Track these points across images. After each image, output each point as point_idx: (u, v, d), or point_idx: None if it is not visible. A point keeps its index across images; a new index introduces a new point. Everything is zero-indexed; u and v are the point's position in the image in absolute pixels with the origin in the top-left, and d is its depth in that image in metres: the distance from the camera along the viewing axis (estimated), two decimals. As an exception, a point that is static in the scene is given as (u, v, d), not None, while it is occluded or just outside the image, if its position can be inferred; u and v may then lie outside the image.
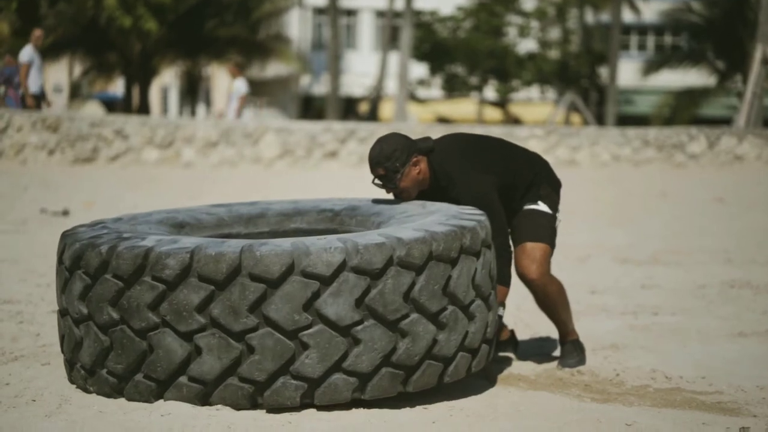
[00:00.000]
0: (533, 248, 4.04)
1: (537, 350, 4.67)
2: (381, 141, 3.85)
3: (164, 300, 3.10)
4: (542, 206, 4.07)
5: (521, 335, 4.99)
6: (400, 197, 3.91)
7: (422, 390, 3.40)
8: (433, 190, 3.94)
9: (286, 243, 3.12)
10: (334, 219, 3.96)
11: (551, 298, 4.15)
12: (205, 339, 3.08)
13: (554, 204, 4.13)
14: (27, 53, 13.86)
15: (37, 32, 14.23)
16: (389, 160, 3.79)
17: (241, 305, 3.05)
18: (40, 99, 14.13)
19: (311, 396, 3.14)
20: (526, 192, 4.05)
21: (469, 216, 3.55)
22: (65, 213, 8.96)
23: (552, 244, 4.12)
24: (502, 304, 3.85)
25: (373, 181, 3.87)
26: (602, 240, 8.66)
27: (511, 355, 4.49)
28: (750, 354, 4.55)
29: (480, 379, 4.12)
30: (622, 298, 6.01)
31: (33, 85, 14.03)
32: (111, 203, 9.60)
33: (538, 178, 4.09)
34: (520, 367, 4.29)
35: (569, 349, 4.28)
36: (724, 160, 15.58)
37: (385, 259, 3.16)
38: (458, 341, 3.40)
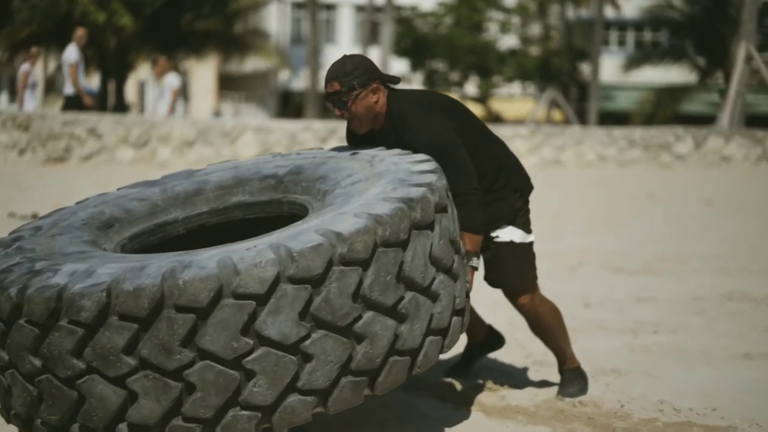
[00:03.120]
0: (520, 290, 3.80)
1: (534, 375, 4.40)
2: (346, 57, 3.51)
3: (86, 345, 2.79)
4: (517, 235, 3.76)
5: (515, 356, 4.72)
6: (350, 124, 3.55)
7: (391, 390, 3.07)
8: (385, 134, 3.55)
9: (211, 262, 2.77)
10: (278, 186, 3.57)
11: (545, 322, 3.88)
12: (138, 382, 2.78)
13: (527, 222, 3.81)
14: (73, 53, 13.67)
15: (80, 31, 13.96)
16: (348, 75, 3.42)
17: (172, 341, 2.74)
18: (76, 99, 13.92)
19: (268, 422, 2.84)
20: (491, 186, 3.68)
21: (419, 179, 3.18)
22: (34, 216, 8.64)
23: (535, 272, 3.84)
24: (476, 254, 3.48)
25: (326, 99, 3.51)
26: (592, 246, 8.45)
27: (506, 384, 4.21)
28: (759, 380, 4.32)
29: (475, 410, 3.84)
30: (618, 313, 5.77)
31: (83, 82, 13.89)
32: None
33: (507, 174, 3.72)
34: (517, 397, 4.02)
35: (569, 377, 4.01)
36: (711, 161, 15.41)
37: (325, 261, 2.82)
38: (424, 327, 3.07)
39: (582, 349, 4.74)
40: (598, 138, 15.44)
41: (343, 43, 36.35)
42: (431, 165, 3.30)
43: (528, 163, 14.56)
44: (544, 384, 4.23)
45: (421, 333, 3.06)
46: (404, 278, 2.99)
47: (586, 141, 15.23)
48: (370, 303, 2.91)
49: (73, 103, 13.94)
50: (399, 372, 3.03)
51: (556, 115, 31.24)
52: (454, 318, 3.25)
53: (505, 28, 32.43)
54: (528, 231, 3.79)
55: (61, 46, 25.00)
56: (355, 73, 3.43)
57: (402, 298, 2.99)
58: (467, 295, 3.39)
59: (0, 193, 10.54)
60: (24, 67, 14.23)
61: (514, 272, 3.76)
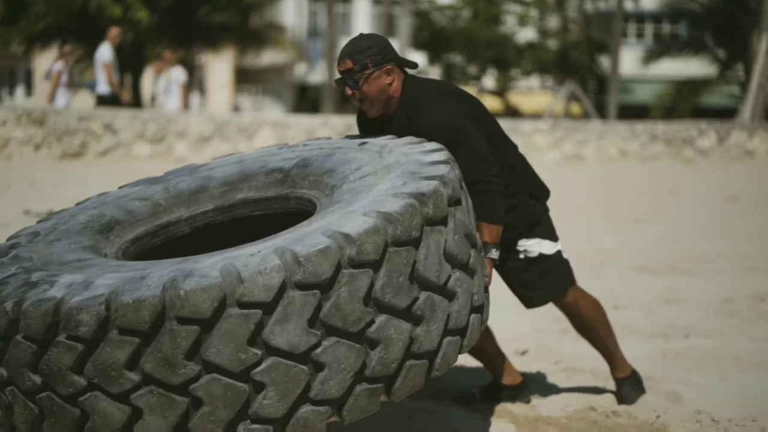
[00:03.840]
0: (563, 299, 3.69)
1: (565, 383, 4.25)
2: (361, 35, 3.34)
3: (87, 360, 2.66)
4: (545, 246, 3.59)
5: (544, 363, 4.57)
6: (362, 106, 3.37)
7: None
8: (398, 119, 3.38)
9: (213, 270, 2.64)
10: (285, 181, 3.39)
11: (587, 316, 3.74)
12: (143, 398, 2.65)
13: (552, 229, 3.64)
14: (107, 52, 13.67)
15: (114, 30, 13.95)
16: (361, 53, 3.25)
17: (176, 354, 2.61)
18: (109, 98, 13.96)
19: None
20: (504, 191, 3.49)
21: (430, 171, 3.01)
22: (50, 214, 8.51)
23: (571, 275, 3.70)
24: (495, 245, 3.31)
25: (336, 81, 3.34)
26: (616, 244, 8.30)
27: (536, 393, 4.06)
28: (799, 388, 4.16)
29: (505, 421, 3.69)
30: (647, 315, 5.62)
31: (106, 83, 13.86)
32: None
33: (519, 178, 3.55)
34: (548, 407, 3.87)
35: (626, 390, 3.89)
36: (735, 155, 15.18)
37: (333, 264, 2.67)
38: (441, 328, 2.92)
39: (612, 355, 4.61)
40: (620, 132, 15.24)
41: (360, 36, 36.18)
42: (443, 155, 3.14)
43: (549, 158, 14.38)
44: (575, 392, 4.08)
45: (438, 334, 2.91)
46: (418, 278, 2.85)
47: (607, 136, 15.04)
48: (382, 306, 2.77)
49: (107, 102, 13.95)
50: (416, 376, 2.89)
51: (575, 108, 31.03)
52: (473, 316, 3.10)
53: (523, 21, 32.20)
54: (555, 239, 3.63)
55: (78, 41, 25.01)
56: (369, 51, 3.27)
57: (416, 299, 2.85)
58: (486, 290, 3.23)
59: (15, 189, 10.50)
60: (57, 65, 14.19)
61: (552, 286, 3.63)
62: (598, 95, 31.91)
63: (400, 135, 3.36)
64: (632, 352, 4.71)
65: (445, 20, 32.44)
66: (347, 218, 2.79)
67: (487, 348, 3.83)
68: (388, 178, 3.01)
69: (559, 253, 3.62)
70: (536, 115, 28.62)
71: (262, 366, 2.64)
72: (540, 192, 3.63)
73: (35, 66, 33.38)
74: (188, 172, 3.57)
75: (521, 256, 3.57)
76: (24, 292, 2.74)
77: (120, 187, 3.57)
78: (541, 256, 3.58)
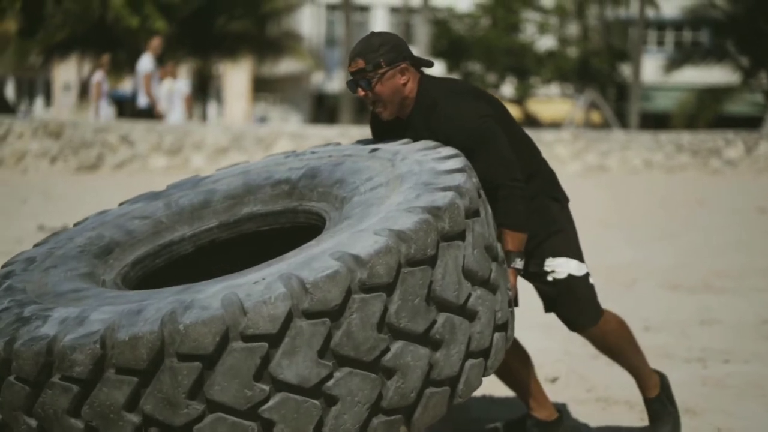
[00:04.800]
0: (588, 324, 3.40)
1: (599, 415, 4.01)
2: (373, 33, 3.14)
3: (84, 403, 2.49)
4: (573, 266, 3.32)
5: (575, 391, 4.33)
6: (374, 108, 3.15)
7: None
8: (413, 122, 3.17)
9: (215, 301, 2.46)
10: (292, 193, 3.19)
11: (611, 340, 3.46)
12: None
13: (577, 244, 3.36)
14: (147, 63, 13.64)
15: (156, 41, 13.91)
16: (374, 52, 3.05)
17: (177, 393, 2.44)
18: (148, 111, 13.96)
19: None
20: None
21: (445, 180, 2.81)
22: (65, 229, 8.39)
23: (597, 299, 3.42)
24: (519, 254, 3.11)
25: (347, 82, 3.13)
26: (644, 259, 8.07)
27: (568, 425, 3.82)
28: None
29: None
30: (682, 337, 5.37)
31: (157, 94, 13.85)
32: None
33: (539, 181, 3.31)
34: (583, 443, 3.63)
35: (657, 411, 3.57)
36: (763, 166, 14.88)
37: (343, 290, 2.49)
38: (462, 351, 2.73)
39: (648, 382, 4.36)
40: (644, 143, 14.99)
41: (378, 45, 36.10)
42: (459, 161, 2.93)
43: (571, 169, 14.16)
44: (609, 424, 3.84)
45: (459, 358, 2.73)
46: (435, 299, 2.66)
47: (631, 146, 14.79)
48: (398, 332, 2.59)
49: (146, 115, 13.89)
50: (438, 405, 2.70)
51: (595, 116, 30.80)
52: (496, 335, 2.90)
53: (542, 29, 31.99)
54: (581, 257, 3.37)
55: (96, 51, 25.04)
56: (382, 49, 3.07)
57: (434, 321, 2.66)
58: (510, 305, 3.02)
59: (31, 203, 10.40)
60: (97, 76, 14.14)
61: (581, 310, 3.36)
62: (617, 103, 31.67)
63: (416, 138, 3.16)
64: (669, 379, 4.49)
65: (464, 28, 32.27)
66: (357, 238, 2.61)
67: (523, 377, 3.57)
68: (401, 190, 2.83)
69: (587, 276, 3.37)
70: (555, 124, 28.38)
71: (271, 402, 2.46)
72: (561, 195, 3.39)
73: (54, 77, 33.52)
74: (191, 186, 3.38)
75: (549, 278, 3.32)
76: (16, 330, 2.58)
77: (120, 204, 3.38)
78: (570, 278, 3.32)
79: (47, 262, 2.99)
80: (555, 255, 3.31)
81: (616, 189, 13.22)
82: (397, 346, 2.58)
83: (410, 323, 2.59)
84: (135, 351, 2.41)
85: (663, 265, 7.79)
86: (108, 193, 11.29)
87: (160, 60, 22.13)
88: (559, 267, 3.31)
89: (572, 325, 3.39)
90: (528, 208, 3.13)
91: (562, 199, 3.38)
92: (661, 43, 35.82)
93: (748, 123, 26.15)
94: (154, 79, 13.64)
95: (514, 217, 3.08)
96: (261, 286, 2.48)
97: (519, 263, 3.11)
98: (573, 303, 3.34)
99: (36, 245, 3.18)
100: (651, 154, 14.84)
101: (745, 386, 4.40)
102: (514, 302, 3.13)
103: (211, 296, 2.48)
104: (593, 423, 3.91)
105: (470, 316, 2.76)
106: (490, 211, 2.99)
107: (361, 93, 3.10)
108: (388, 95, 3.10)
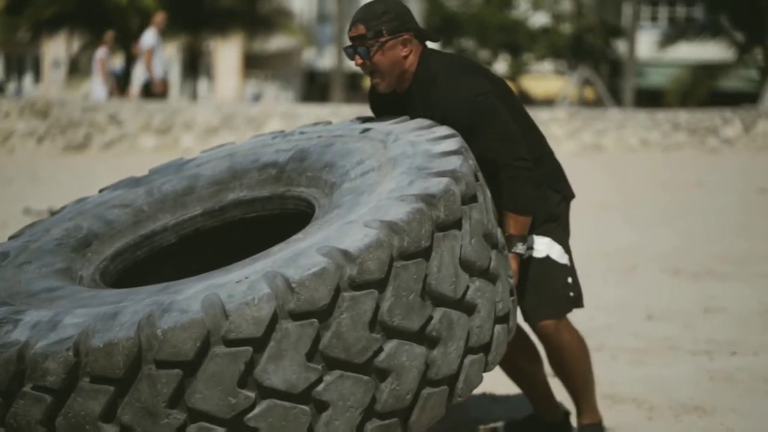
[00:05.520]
0: (547, 315, 3.13)
1: (606, 414, 3.84)
2: (379, 0, 2.95)
3: (58, 413, 2.35)
4: (555, 250, 3.10)
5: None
6: (372, 79, 2.97)
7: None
8: (411, 97, 2.99)
9: (194, 303, 2.31)
10: (280, 178, 3.03)
11: (568, 353, 3.18)
12: None
13: (566, 237, 3.15)
14: (150, 38, 13.54)
15: (159, 16, 13.76)
16: (376, 19, 2.88)
17: (157, 402, 2.30)
18: (166, 83, 13.99)
19: None
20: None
21: (440, 164, 2.64)
22: (51, 212, 8.21)
23: (574, 296, 3.17)
24: (522, 238, 2.94)
25: (344, 48, 2.96)
26: (644, 243, 7.93)
27: None
28: None
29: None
30: (686, 328, 5.23)
31: (158, 68, 13.75)
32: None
33: (544, 170, 3.11)
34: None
35: None
36: (762, 145, 14.72)
37: (332, 288, 2.34)
38: (461, 348, 2.58)
39: (655, 377, 4.23)
40: (641, 121, 14.81)
41: (370, 20, 35.84)
42: (455, 142, 2.76)
43: (566, 148, 13.99)
44: (616, 423, 3.68)
45: (458, 355, 2.58)
46: (431, 294, 2.51)
47: (627, 125, 14.61)
48: (391, 330, 2.44)
49: (147, 91, 13.83)
50: (436, 405, 2.55)
51: (588, 92, 30.65)
52: (497, 327, 2.74)
53: (536, 4, 31.75)
54: (566, 249, 3.15)
55: (86, 27, 24.74)
56: (385, 17, 2.89)
57: (430, 318, 2.51)
58: (512, 293, 2.85)
59: (17, 185, 10.25)
60: (100, 53, 13.91)
61: (548, 298, 3.10)
62: (610, 79, 31.51)
63: (414, 114, 2.99)
64: (675, 374, 4.35)
65: (457, 5, 32.01)
66: (346, 231, 2.45)
67: (530, 374, 3.36)
68: (393, 175, 2.67)
69: (566, 268, 3.14)
70: (548, 101, 28.21)
71: (257, 410, 2.32)
72: (565, 189, 3.19)
73: (43, 53, 33.14)
74: (174, 170, 3.20)
75: (525, 255, 3.07)
76: None
77: (100, 191, 3.20)
78: (548, 260, 3.10)
79: (21, 257, 2.85)
80: (539, 234, 3.11)
81: (612, 169, 13.07)
82: (390, 345, 2.44)
83: (404, 321, 2.45)
84: (111, 358, 2.28)
85: (663, 249, 7.66)
86: (96, 175, 11.11)
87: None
88: (540, 245, 3.11)
89: (532, 314, 3.12)
90: (534, 190, 2.96)
91: (565, 194, 3.18)
92: (654, 18, 35.62)
93: (742, 99, 25.98)
94: (156, 55, 13.48)
95: (518, 199, 2.92)
96: (244, 286, 2.33)
97: (521, 248, 2.95)
98: (541, 288, 3.09)
99: (11, 237, 3.02)
100: (647, 132, 14.68)
101: (754, 381, 4.26)
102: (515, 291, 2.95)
103: (191, 297, 2.34)
104: (599, 423, 3.75)
105: (469, 309, 2.61)
106: (488, 194, 2.83)
107: (359, 61, 2.93)
108: (387, 66, 2.93)
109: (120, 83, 17.78)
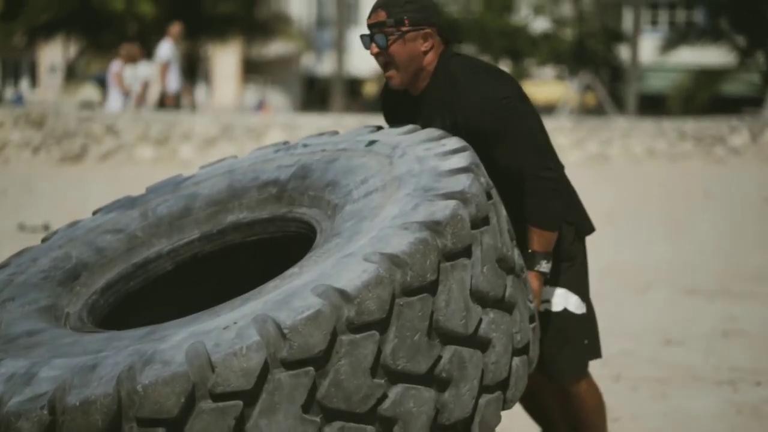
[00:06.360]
0: (572, 377, 2.92)
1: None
2: None
3: None
4: (572, 302, 2.87)
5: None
6: (385, 72, 2.77)
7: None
8: (427, 99, 2.78)
9: (178, 353, 2.13)
10: (281, 197, 2.84)
11: (586, 413, 2.98)
12: None
13: (585, 280, 2.92)
14: (166, 50, 13.32)
15: (176, 27, 13.51)
16: (399, 6, 2.70)
17: None
18: (179, 98, 13.67)
19: None
20: None
21: (447, 184, 2.43)
22: (46, 228, 8.07)
23: (597, 349, 2.96)
24: (546, 255, 2.74)
25: (361, 36, 2.77)
26: (655, 258, 7.76)
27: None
28: None
29: None
30: (706, 353, 5.03)
31: (172, 82, 13.51)
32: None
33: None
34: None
35: None
36: (770, 155, 14.56)
37: (328, 332, 2.15)
38: (475, 387, 2.38)
39: (679, 411, 4.03)
40: (647, 130, 14.64)
41: (369, 25, 35.74)
42: (465, 158, 2.54)
43: (571, 158, 13.80)
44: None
45: (472, 396, 2.37)
46: (439, 331, 2.30)
47: (633, 134, 14.44)
48: (396, 375, 2.24)
49: (178, 101, 13.68)
50: None
51: (589, 98, 30.54)
52: (516, 360, 2.53)
53: (537, 10, 31.66)
54: (585, 296, 2.91)
55: (82, 32, 24.62)
56: (408, 6, 2.70)
57: (439, 358, 2.31)
58: (532, 319, 2.63)
59: (11, 198, 10.05)
60: (114, 66, 13.65)
61: (569, 357, 2.88)
62: (611, 84, 31.42)
63: (429, 117, 2.78)
64: (699, 407, 4.14)
65: (458, 10, 31.90)
66: (344, 266, 2.25)
67: (549, 404, 3.16)
68: (397, 198, 2.46)
69: (584, 318, 2.90)
70: (549, 107, 28.07)
71: None
72: (581, 221, 2.92)
73: (39, 58, 33.00)
74: (171, 188, 3.00)
75: (541, 308, 2.85)
76: None
77: (94, 212, 3.02)
78: (566, 313, 2.86)
79: (5, 294, 2.66)
80: (555, 284, 2.87)
81: (618, 180, 12.91)
82: (395, 391, 2.24)
83: (410, 363, 2.25)
84: (88, 417, 2.10)
85: (675, 265, 7.49)
86: (92, 187, 10.94)
87: (144, 44, 21.67)
88: (557, 298, 2.87)
89: (550, 370, 2.89)
90: (562, 203, 2.74)
91: (580, 227, 2.92)
92: (654, 22, 35.57)
93: (744, 104, 25.90)
94: (171, 69, 13.30)
95: (544, 213, 2.72)
96: (232, 333, 2.14)
97: (545, 266, 2.73)
98: (561, 344, 2.87)
99: None
100: (653, 141, 14.50)
101: (785, 416, 4.05)
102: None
103: (175, 347, 2.15)
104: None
105: (482, 345, 2.41)
106: (503, 213, 2.60)
107: (375, 50, 2.73)
108: (404, 60, 2.73)
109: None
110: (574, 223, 2.89)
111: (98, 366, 2.17)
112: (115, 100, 13.81)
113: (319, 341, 2.12)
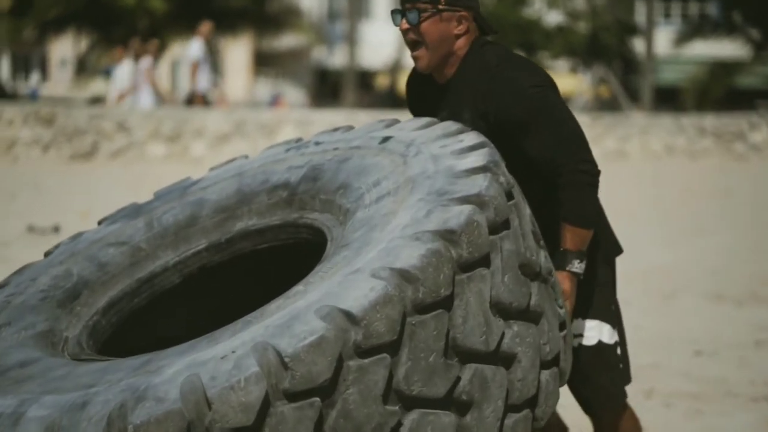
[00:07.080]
0: (609, 407, 2.78)
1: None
2: None
3: None
4: (605, 332, 2.71)
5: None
6: (412, 52, 2.65)
7: None
8: (456, 87, 2.64)
9: (172, 388, 1.98)
10: (292, 201, 2.69)
11: None
12: None
13: (611, 308, 2.75)
14: (196, 49, 13.27)
15: (206, 26, 13.43)
16: None
17: None
18: (207, 97, 13.67)
19: None
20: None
21: (463, 187, 2.27)
22: (56, 229, 7.96)
23: (628, 377, 2.81)
24: (580, 254, 2.56)
25: (392, 11, 2.64)
26: (680, 262, 7.57)
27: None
28: None
29: None
30: (740, 366, 4.86)
31: (202, 82, 13.43)
32: (110, 210, 8.56)
33: None
34: None
35: None
36: (790, 151, 14.39)
37: (333, 359, 2.01)
38: (499, 409, 2.21)
39: (715, 428, 3.89)
40: (665, 126, 14.46)
41: (380, 17, 35.53)
42: (483, 155, 2.37)
43: (589, 154, 13.70)
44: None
45: (496, 418, 2.20)
46: (457, 350, 2.14)
47: (651, 130, 14.27)
48: (411, 400, 2.08)
49: (197, 101, 13.65)
50: None
51: (603, 91, 30.37)
52: (545, 374, 2.35)
53: (551, 3, 31.51)
54: (616, 323, 2.75)
55: (93, 26, 24.55)
56: None
57: (458, 379, 2.14)
58: (562, 327, 2.45)
59: (21, 199, 9.94)
60: (144, 62, 13.56)
61: (605, 387, 2.73)
62: (625, 77, 31.26)
63: (457, 106, 2.63)
64: (735, 426, 3.97)
65: (470, 3, 31.81)
66: (350, 284, 2.09)
67: None
68: (410, 203, 2.29)
69: (617, 345, 2.74)
70: (564, 99, 27.98)
71: None
72: (610, 244, 2.75)
73: (50, 52, 32.97)
74: (178, 194, 2.84)
75: (574, 343, 2.68)
76: None
77: (99, 222, 2.88)
78: (600, 345, 2.70)
79: (2, 318, 2.50)
80: (586, 316, 2.70)
81: (638, 178, 12.75)
82: (411, 418, 2.08)
83: (426, 387, 2.08)
84: None
85: (701, 269, 7.31)
86: (104, 184, 10.83)
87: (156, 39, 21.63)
88: (589, 332, 2.70)
89: (591, 404, 2.76)
90: (597, 200, 2.58)
91: (608, 249, 2.74)
92: (668, 15, 35.40)
93: (760, 96, 25.73)
94: (202, 68, 13.21)
95: (578, 209, 2.54)
96: (229, 364, 1.98)
97: (578, 266, 2.54)
98: (597, 379, 2.71)
99: None
100: (672, 138, 14.31)
101: (828, 437, 3.88)
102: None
103: (169, 381, 2.00)
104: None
105: (506, 361, 2.23)
106: (527, 213, 2.42)
107: (404, 26, 2.58)
108: (435, 40, 2.58)
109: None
110: (602, 243, 2.71)
111: (88, 404, 2.02)
112: (146, 97, 13.72)
113: (324, 369, 1.97)
